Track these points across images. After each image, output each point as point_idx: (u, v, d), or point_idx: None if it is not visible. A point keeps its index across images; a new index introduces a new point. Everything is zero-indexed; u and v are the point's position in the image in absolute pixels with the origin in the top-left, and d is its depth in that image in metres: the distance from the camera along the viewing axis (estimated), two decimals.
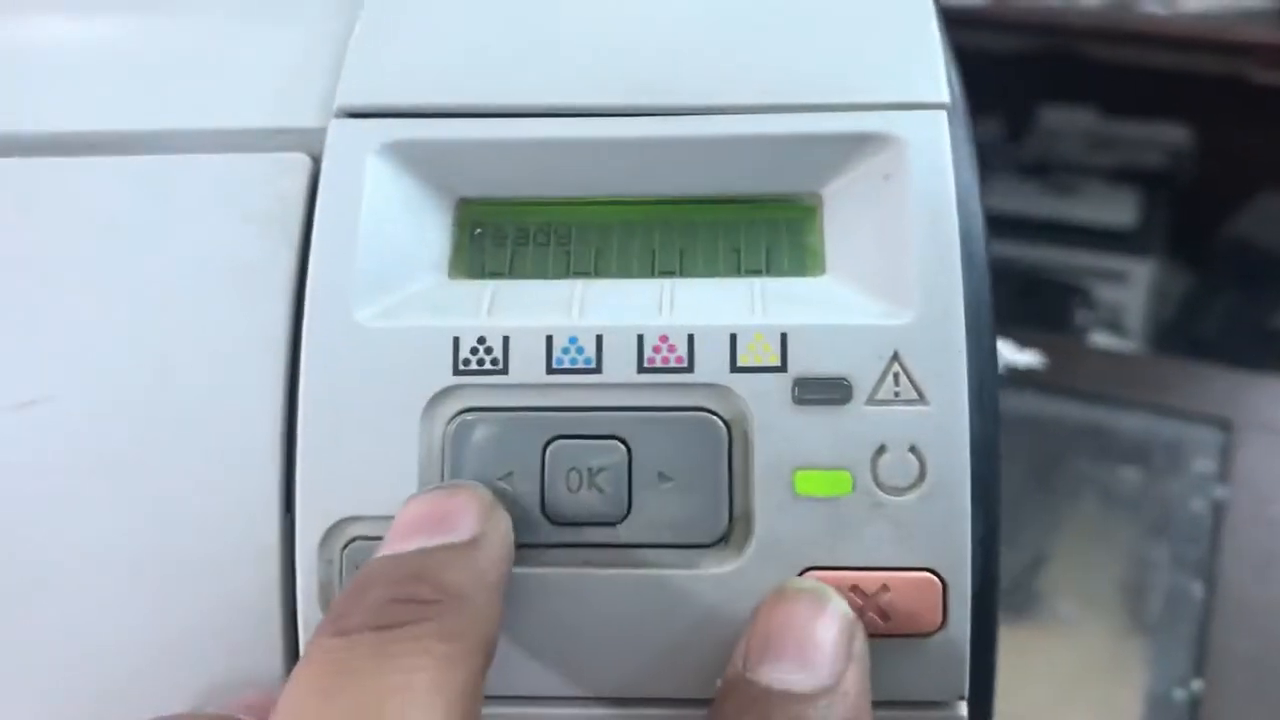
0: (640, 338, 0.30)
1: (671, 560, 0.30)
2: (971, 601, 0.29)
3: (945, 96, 0.32)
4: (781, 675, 0.27)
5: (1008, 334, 1.11)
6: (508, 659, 0.30)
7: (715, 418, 0.30)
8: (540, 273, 0.32)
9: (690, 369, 0.30)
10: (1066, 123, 1.94)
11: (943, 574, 0.29)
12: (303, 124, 0.33)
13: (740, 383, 0.30)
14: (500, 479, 0.30)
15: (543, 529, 0.30)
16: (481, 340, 0.30)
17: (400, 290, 0.31)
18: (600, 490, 0.29)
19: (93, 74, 0.35)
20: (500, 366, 0.30)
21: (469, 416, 0.30)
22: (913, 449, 0.29)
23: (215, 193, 0.32)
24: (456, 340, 0.30)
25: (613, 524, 0.30)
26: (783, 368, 0.29)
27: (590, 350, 0.30)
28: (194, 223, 0.32)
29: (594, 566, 0.30)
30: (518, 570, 0.30)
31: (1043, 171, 1.87)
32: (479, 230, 0.33)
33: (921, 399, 0.29)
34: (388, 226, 0.32)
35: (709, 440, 0.30)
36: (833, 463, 0.29)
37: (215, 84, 0.34)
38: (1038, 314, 1.63)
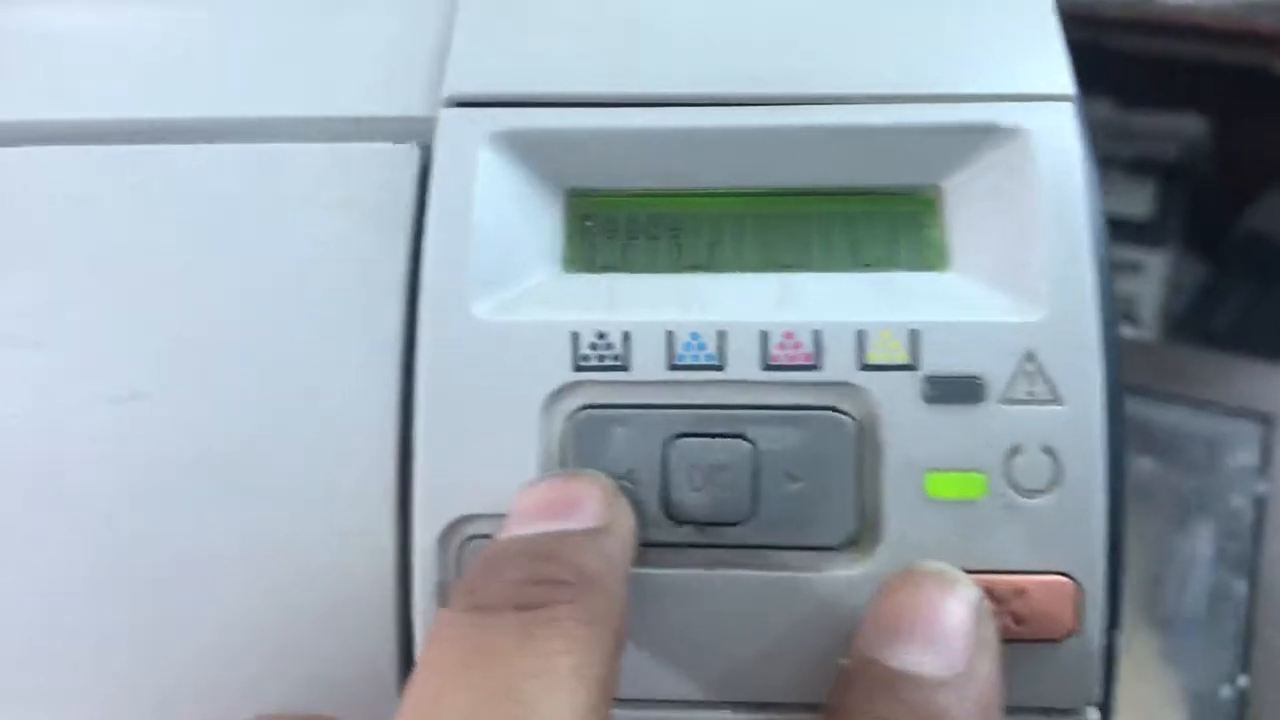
0: (764, 334, 0.29)
1: (797, 562, 0.29)
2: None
3: (1071, 88, 0.31)
4: (912, 658, 0.26)
5: None
6: (627, 660, 0.29)
7: (844, 416, 0.29)
8: (653, 266, 0.32)
9: (816, 366, 0.29)
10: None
11: (1077, 577, 0.29)
12: (409, 112, 0.32)
13: (869, 381, 0.29)
14: (621, 476, 0.29)
15: (665, 528, 0.29)
16: (601, 335, 0.29)
17: (516, 284, 0.31)
18: (724, 489, 0.29)
19: (190, 59, 0.34)
20: (621, 362, 0.29)
21: (589, 413, 0.29)
22: (1047, 449, 0.29)
23: (323, 183, 0.32)
24: (576, 335, 0.29)
25: (736, 524, 0.29)
26: (913, 365, 0.29)
27: (712, 346, 0.29)
28: (301, 214, 0.31)
29: (717, 567, 0.29)
30: (638, 570, 0.29)
31: None
32: (589, 223, 0.32)
33: (1056, 398, 0.29)
34: (501, 219, 0.31)
35: (837, 440, 0.29)
36: (965, 464, 0.29)
37: (316, 70, 0.33)
38: None
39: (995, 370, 0.29)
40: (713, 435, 0.29)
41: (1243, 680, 0.75)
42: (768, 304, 0.30)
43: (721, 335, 0.29)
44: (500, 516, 0.29)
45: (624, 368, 0.29)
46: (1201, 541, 0.85)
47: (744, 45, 0.32)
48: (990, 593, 0.29)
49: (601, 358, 0.29)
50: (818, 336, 0.29)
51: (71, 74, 0.34)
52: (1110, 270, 0.31)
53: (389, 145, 0.32)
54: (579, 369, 0.29)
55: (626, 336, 0.29)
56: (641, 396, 0.29)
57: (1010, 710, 0.28)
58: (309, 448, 0.30)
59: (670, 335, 0.29)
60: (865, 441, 0.29)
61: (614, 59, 0.32)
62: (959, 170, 0.31)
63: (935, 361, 0.29)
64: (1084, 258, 0.29)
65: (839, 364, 0.29)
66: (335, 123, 0.32)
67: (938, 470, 0.29)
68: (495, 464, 0.29)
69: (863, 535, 0.29)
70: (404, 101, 0.32)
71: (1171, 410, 0.94)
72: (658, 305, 0.30)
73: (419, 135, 0.32)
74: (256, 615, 0.30)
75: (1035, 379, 0.29)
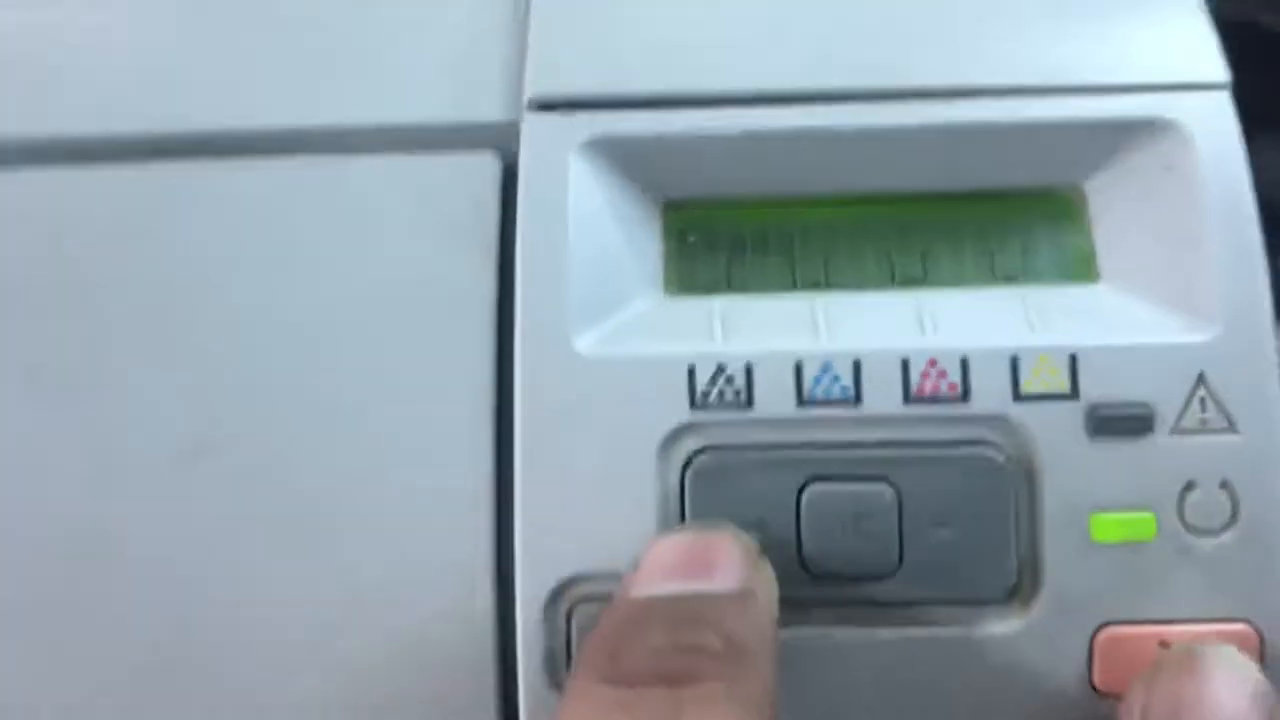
0: (905, 362, 0.26)
1: (949, 617, 0.26)
2: None
3: (1225, 74, 0.28)
4: None
5: None
6: None
7: (997, 454, 0.26)
8: (763, 285, 0.28)
9: (965, 398, 0.26)
10: None
11: (1259, 624, 0.26)
12: (487, 117, 0.29)
13: (1025, 413, 0.26)
14: (749, 526, 0.26)
15: (802, 584, 0.26)
16: (721, 369, 0.26)
17: (618, 312, 0.27)
18: (867, 539, 0.26)
19: (244, 66, 0.30)
20: (744, 399, 0.26)
21: (710, 456, 0.26)
22: (1224, 484, 0.26)
23: (398, 200, 0.28)
24: (692, 369, 0.26)
25: (882, 578, 0.26)
26: (1074, 394, 0.26)
27: (847, 378, 0.26)
28: (375, 236, 0.28)
29: (861, 625, 0.26)
30: None
31: None
32: (691, 238, 0.29)
33: (1231, 427, 0.26)
34: (598, 240, 0.27)
35: (990, 480, 0.26)
36: (1134, 503, 0.26)
37: (382, 73, 0.30)
38: None
39: (1165, 397, 0.26)
40: (851, 479, 0.26)
41: None
42: (904, 327, 0.27)
43: (857, 365, 0.26)
44: (614, 575, 0.25)
45: (748, 405, 0.26)
46: None
47: (858, 32, 0.29)
48: (1163, 644, 0.25)
49: (722, 394, 0.26)
50: (965, 364, 0.26)
51: (116, 84, 0.30)
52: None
53: (466, 155, 0.28)
54: (697, 407, 0.26)
55: (749, 369, 0.26)
56: (768, 436, 0.26)
57: None
58: (394, 502, 0.27)
59: (799, 366, 0.26)
60: (1021, 481, 0.26)
61: (712, 50, 0.29)
62: (1103, 169, 0.28)
63: (1098, 389, 0.26)
64: (1257, 266, 0.26)
65: (990, 395, 0.26)
66: (406, 131, 0.29)
67: (1103, 511, 0.26)
68: (606, 516, 0.26)
69: (1020, 587, 0.26)
70: (482, 105, 0.29)
71: None
72: (779, 332, 0.27)
73: (497, 142, 0.29)
74: (340, 691, 0.27)
75: (1209, 405, 0.26)
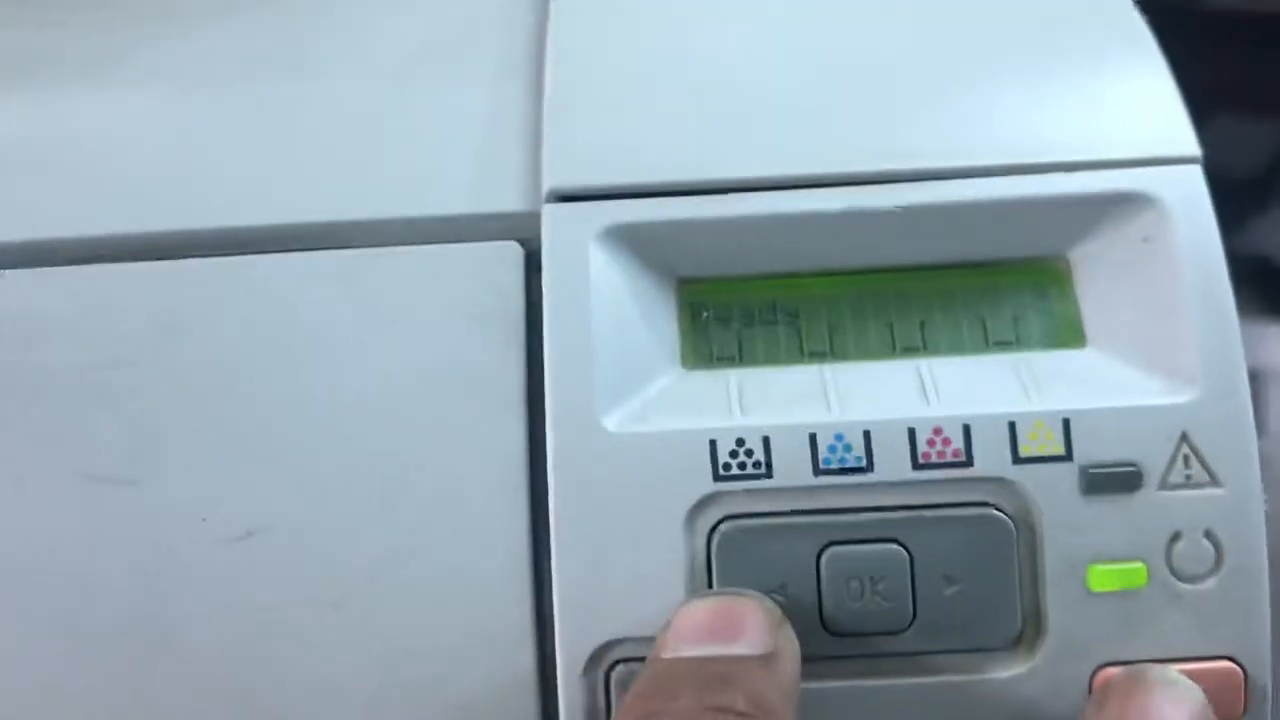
0: (912, 431, 0.28)
1: (960, 665, 0.28)
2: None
3: (1196, 149, 0.30)
4: None
5: None
6: None
7: (1000, 514, 0.28)
8: (773, 356, 0.30)
9: (969, 463, 0.28)
10: None
11: (1243, 662, 0.28)
12: (507, 208, 0.31)
13: (1024, 474, 0.28)
14: (773, 590, 0.28)
15: (824, 642, 0.28)
16: (740, 442, 0.28)
17: (640, 388, 0.29)
18: (884, 599, 0.28)
19: (264, 160, 0.32)
20: (763, 470, 0.28)
21: (734, 524, 0.28)
22: (1208, 534, 0.28)
23: (425, 289, 0.30)
24: (714, 443, 0.28)
25: (897, 632, 0.28)
26: (1068, 456, 0.28)
27: (859, 447, 0.28)
28: (404, 325, 0.30)
29: (876, 677, 0.28)
30: None
31: None
32: (705, 314, 0.31)
33: (1214, 481, 0.28)
34: (619, 321, 0.29)
35: (995, 538, 0.28)
36: (1126, 554, 0.28)
37: (400, 167, 0.32)
38: None
39: (1152, 456, 0.28)
40: (865, 541, 0.28)
41: None
42: (908, 397, 0.29)
43: (867, 435, 0.28)
44: (648, 639, 0.27)
45: (767, 475, 0.28)
46: None
47: (853, 121, 0.31)
48: None
49: (743, 465, 0.28)
50: (968, 431, 0.28)
51: (147, 181, 0.31)
52: None
53: (489, 245, 0.30)
54: (720, 478, 0.28)
55: (767, 442, 0.28)
56: (787, 504, 0.28)
57: None
58: (438, 577, 0.28)
59: (813, 438, 0.28)
60: (1023, 538, 0.28)
61: (719, 141, 0.31)
62: (1087, 241, 0.30)
63: (1090, 450, 0.28)
64: (1232, 331, 0.28)
65: (992, 459, 0.28)
66: (427, 223, 0.31)
67: (1099, 562, 0.28)
68: (639, 584, 0.28)
69: (1025, 634, 0.28)
70: (500, 196, 0.31)
71: None
72: (792, 404, 0.29)
73: (518, 231, 0.30)
74: None
75: (1192, 462, 0.28)
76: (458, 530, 0.28)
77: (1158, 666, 0.27)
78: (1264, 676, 0.28)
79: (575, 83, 0.32)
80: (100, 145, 0.32)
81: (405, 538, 0.28)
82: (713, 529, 0.28)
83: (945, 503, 0.28)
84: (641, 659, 0.27)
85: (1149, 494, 0.28)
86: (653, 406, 0.29)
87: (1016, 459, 0.28)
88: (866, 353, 0.30)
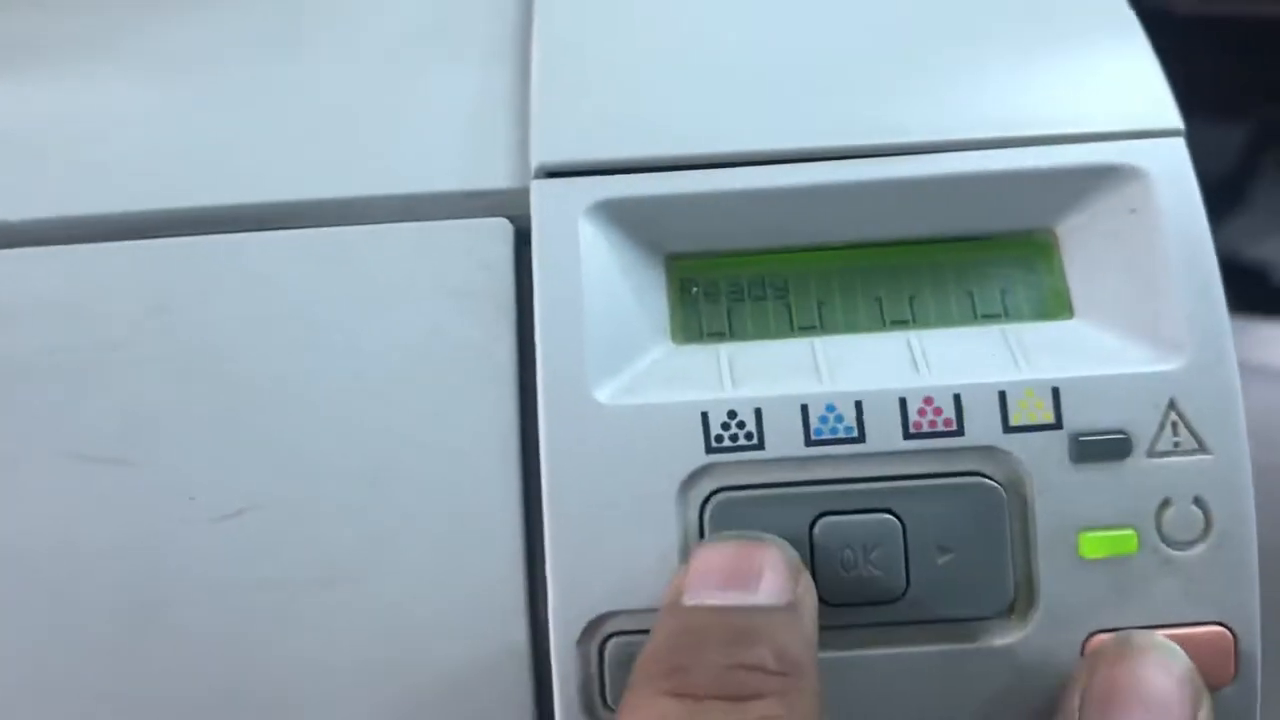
0: (903, 401, 0.28)
1: (953, 634, 0.28)
2: None
3: (1179, 122, 0.30)
4: None
5: None
6: None
7: (991, 482, 0.28)
8: (763, 330, 0.30)
9: (960, 432, 0.28)
10: None
11: (1233, 626, 0.28)
12: (496, 185, 0.31)
13: (1015, 443, 0.28)
14: None
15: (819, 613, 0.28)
16: (732, 414, 0.28)
17: (631, 363, 0.29)
18: (877, 569, 0.28)
19: (254, 139, 0.32)
20: (755, 441, 0.28)
21: (727, 495, 0.28)
22: (1197, 500, 0.28)
23: (415, 267, 0.30)
24: (705, 415, 0.28)
25: (891, 601, 0.28)
26: (1058, 424, 0.28)
27: (850, 418, 0.28)
28: (395, 301, 0.30)
29: (870, 646, 0.28)
30: None
31: None
32: (694, 289, 0.31)
33: (1202, 447, 0.28)
34: (610, 296, 0.29)
35: (987, 507, 0.28)
36: (1117, 521, 0.28)
37: (389, 145, 0.32)
38: None
39: (1140, 423, 0.28)
40: (858, 511, 0.28)
41: None
42: (899, 368, 0.29)
43: (859, 405, 0.28)
44: (643, 612, 0.27)
45: (759, 446, 0.28)
46: None
47: (842, 95, 0.31)
48: None
49: (734, 437, 0.28)
50: (958, 400, 0.28)
51: (137, 161, 0.31)
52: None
53: (479, 221, 0.30)
54: (712, 450, 0.28)
55: (759, 413, 0.28)
56: (779, 475, 0.28)
57: None
58: (431, 553, 0.28)
59: (805, 409, 0.28)
60: (1014, 506, 0.28)
61: (707, 116, 0.31)
62: (1073, 213, 0.30)
63: (1080, 419, 0.28)
64: (1218, 299, 0.28)
65: (983, 428, 0.28)
66: (417, 200, 0.31)
67: (1089, 530, 0.28)
68: (633, 557, 0.28)
69: (1017, 602, 0.28)
70: (490, 173, 0.31)
71: None
72: (783, 376, 0.29)
73: (507, 208, 0.30)
74: None
75: (1180, 429, 0.28)
76: (450, 506, 0.28)
77: (1145, 632, 0.27)
78: (1254, 641, 0.28)
79: (563, 59, 0.32)
80: (89, 126, 0.32)
81: (397, 514, 0.28)
82: (705, 501, 0.28)
83: (937, 472, 0.28)
84: (637, 632, 0.27)
85: (1138, 461, 0.28)
86: (644, 380, 0.29)
87: (1007, 428, 0.28)
88: (856, 326, 0.30)
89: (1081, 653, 0.28)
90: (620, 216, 0.30)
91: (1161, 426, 0.28)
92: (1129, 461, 0.28)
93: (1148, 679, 0.26)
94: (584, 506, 0.28)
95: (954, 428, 0.28)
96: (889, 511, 0.28)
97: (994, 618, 0.28)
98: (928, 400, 0.28)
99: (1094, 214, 0.30)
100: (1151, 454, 0.28)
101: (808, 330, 0.30)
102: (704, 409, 0.28)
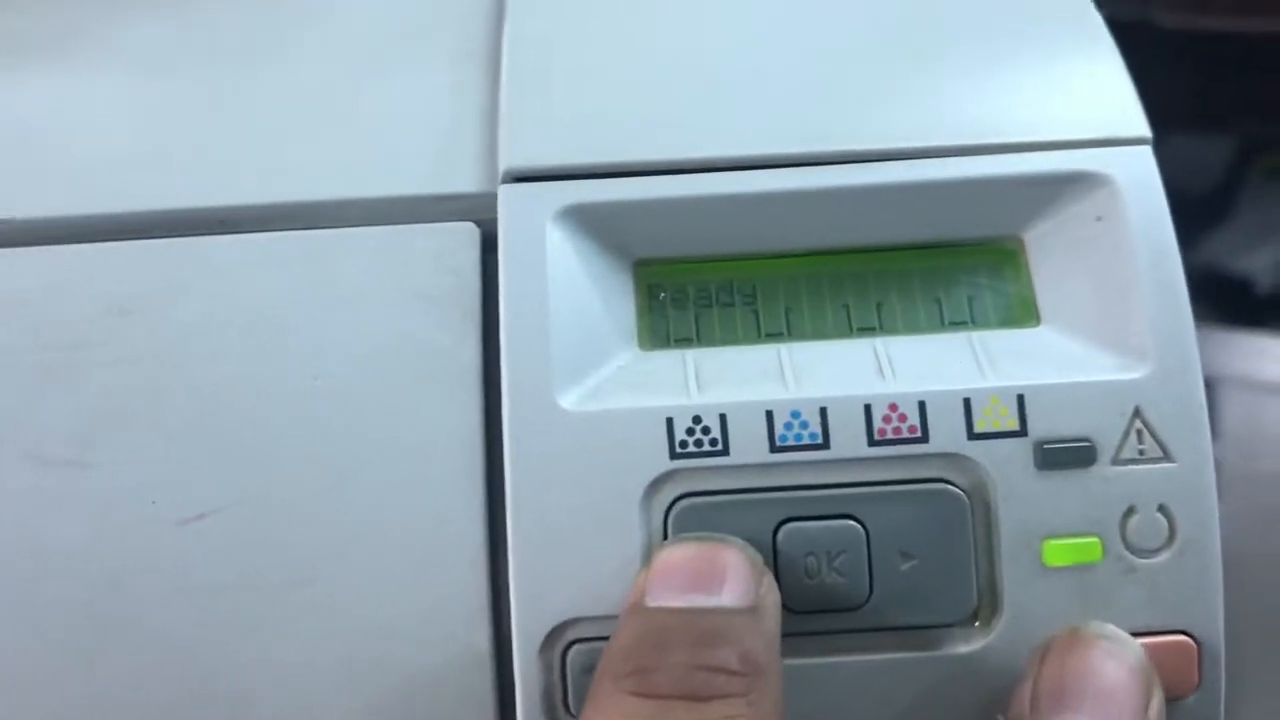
0: (868, 408, 0.28)
1: (917, 641, 0.28)
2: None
3: (1147, 130, 0.30)
4: None
5: None
6: None
7: (955, 489, 0.28)
8: (730, 337, 0.30)
9: (924, 439, 0.28)
10: None
11: (1196, 635, 0.28)
12: (463, 189, 0.31)
13: (979, 450, 0.28)
14: None
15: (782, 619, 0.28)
16: (697, 420, 0.28)
17: (597, 368, 0.29)
18: (840, 575, 0.28)
19: (222, 142, 0.32)
20: (720, 447, 0.28)
21: (691, 502, 0.28)
22: (1161, 508, 0.28)
23: (381, 270, 0.30)
24: (670, 421, 0.28)
25: (854, 608, 0.28)
26: (1022, 432, 0.28)
27: (815, 424, 0.28)
28: (361, 305, 0.30)
29: (833, 654, 0.28)
30: None
31: None
32: (661, 294, 0.31)
33: (1166, 456, 0.28)
34: (575, 299, 0.29)
35: (950, 513, 0.28)
36: (1081, 529, 0.28)
37: (357, 148, 0.32)
38: None
39: (1105, 431, 0.28)
40: (822, 517, 0.28)
41: None
42: (864, 374, 0.29)
43: (823, 412, 0.28)
44: (606, 619, 0.27)
45: (724, 452, 0.28)
46: None
47: (811, 102, 0.31)
48: None
49: (699, 443, 0.28)
50: (923, 407, 0.28)
51: (93, 162, 0.31)
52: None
53: (446, 226, 0.30)
54: (676, 456, 0.28)
55: (723, 419, 0.28)
56: (743, 481, 0.28)
57: None
58: (394, 558, 0.28)
59: (770, 415, 0.28)
60: (978, 513, 0.28)
61: (675, 122, 0.31)
62: (1041, 221, 0.30)
63: (1044, 426, 0.28)
64: (1183, 308, 0.29)
65: (947, 435, 0.28)
66: (384, 203, 0.31)
67: (1054, 538, 0.28)
68: (596, 563, 0.28)
69: (981, 609, 0.28)
70: (457, 177, 0.31)
71: None
72: (748, 382, 0.29)
73: (474, 212, 0.30)
74: None
75: (1145, 437, 0.28)
76: (414, 510, 0.28)
77: (1096, 622, 0.27)
78: (1218, 649, 0.28)
79: (532, 64, 0.32)
80: (55, 127, 0.32)
81: (361, 519, 0.28)
82: (669, 506, 0.28)
83: (901, 479, 0.28)
84: (600, 639, 0.27)
85: (1103, 469, 0.28)
86: (609, 386, 0.29)
87: (972, 435, 0.28)
88: (823, 333, 0.30)
89: None
90: (588, 222, 0.30)
91: (1126, 434, 0.28)
92: (1093, 469, 0.28)
93: (1098, 669, 0.26)
94: (547, 512, 0.28)
95: (919, 434, 0.28)
96: (853, 518, 0.28)
97: (957, 625, 0.28)
98: (893, 407, 0.28)
99: (1061, 221, 0.30)
100: (1116, 461, 0.28)
101: (775, 337, 0.30)
102: (669, 415, 0.28)
